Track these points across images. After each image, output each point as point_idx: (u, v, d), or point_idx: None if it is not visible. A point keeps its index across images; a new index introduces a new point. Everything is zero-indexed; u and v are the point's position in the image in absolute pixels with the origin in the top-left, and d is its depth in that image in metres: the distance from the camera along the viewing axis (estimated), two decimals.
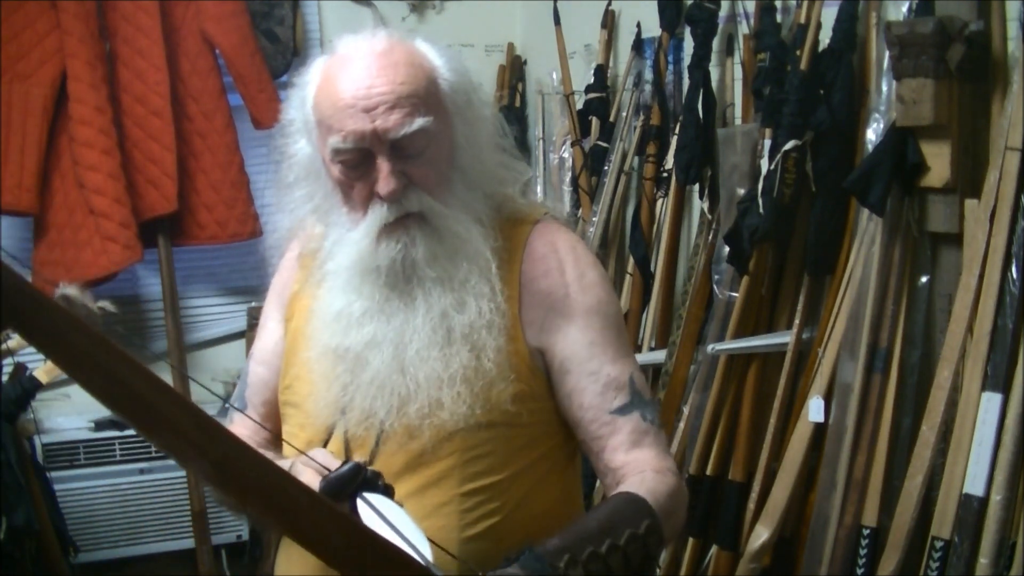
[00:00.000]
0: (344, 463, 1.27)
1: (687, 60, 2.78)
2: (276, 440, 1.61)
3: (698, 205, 2.79)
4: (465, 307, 1.41)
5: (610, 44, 3.22)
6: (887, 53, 2.08)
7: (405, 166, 1.40)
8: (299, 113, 1.49)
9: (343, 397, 1.45)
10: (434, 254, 1.42)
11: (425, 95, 1.40)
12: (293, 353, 1.55)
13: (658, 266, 2.90)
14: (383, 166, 1.38)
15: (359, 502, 1.25)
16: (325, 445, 1.50)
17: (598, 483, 2.72)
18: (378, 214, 1.40)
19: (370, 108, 1.37)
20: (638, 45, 3.08)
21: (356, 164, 1.40)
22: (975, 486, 1.85)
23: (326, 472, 1.27)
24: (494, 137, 1.53)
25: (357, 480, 1.25)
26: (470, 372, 1.40)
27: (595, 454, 1.48)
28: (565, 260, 1.49)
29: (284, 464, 1.43)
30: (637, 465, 1.43)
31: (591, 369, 1.46)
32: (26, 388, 2.62)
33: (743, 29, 2.66)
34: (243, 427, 1.60)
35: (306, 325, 1.52)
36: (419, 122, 1.38)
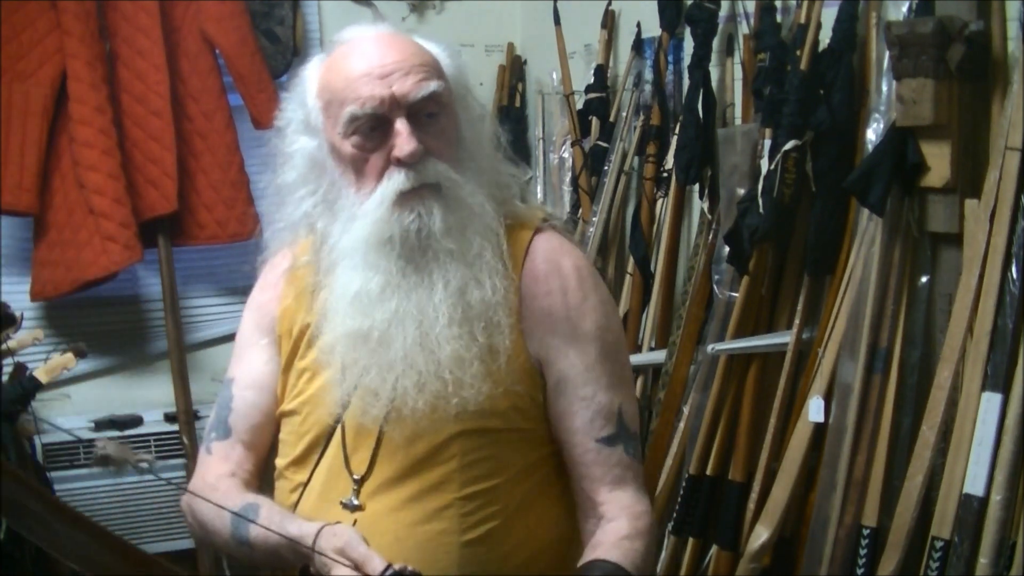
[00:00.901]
0: (386, 570, 1.27)
1: (687, 60, 2.78)
2: (258, 474, 1.60)
3: (698, 205, 2.79)
4: (481, 284, 1.41)
5: (610, 44, 3.22)
6: (887, 53, 2.08)
7: (421, 135, 1.40)
8: (298, 111, 1.49)
9: (363, 378, 1.42)
10: (448, 226, 1.41)
11: (435, 66, 1.44)
12: (296, 360, 1.54)
13: (658, 266, 2.90)
14: (402, 128, 1.39)
15: None
16: (325, 448, 1.49)
17: None
18: (395, 180, 1.40)
19: (386, 75, 1.39)
20: (638, 45, 3.08)
21: (372, 135, 1.40)
22: (975, 486, 1.85)
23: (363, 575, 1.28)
24: (493, 137, 1.55)
25: None
26: (485, 351, 1.40)
27: (575, 479, 1.50)
28: (568, 281, 1.48)
29: (296, 525, 1.41)
30: (616, 508, 1.46)
31: (584, 395, 1.46)
32: (26, 388, 2.62)
33: (743, 29, 2.65)
34: (225, 461, 1.58)
35: (313, 326, 1.50)
36: (434, 84, 1.40)
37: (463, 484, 1.43)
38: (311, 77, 1.49)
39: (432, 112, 1.41)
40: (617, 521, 1.45)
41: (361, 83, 1.39)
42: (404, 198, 1.40)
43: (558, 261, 1.50)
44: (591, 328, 1.48)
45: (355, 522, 1.43)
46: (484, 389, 1.40)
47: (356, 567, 1.32)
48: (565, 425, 1.47)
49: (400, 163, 1.39)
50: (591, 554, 1.42)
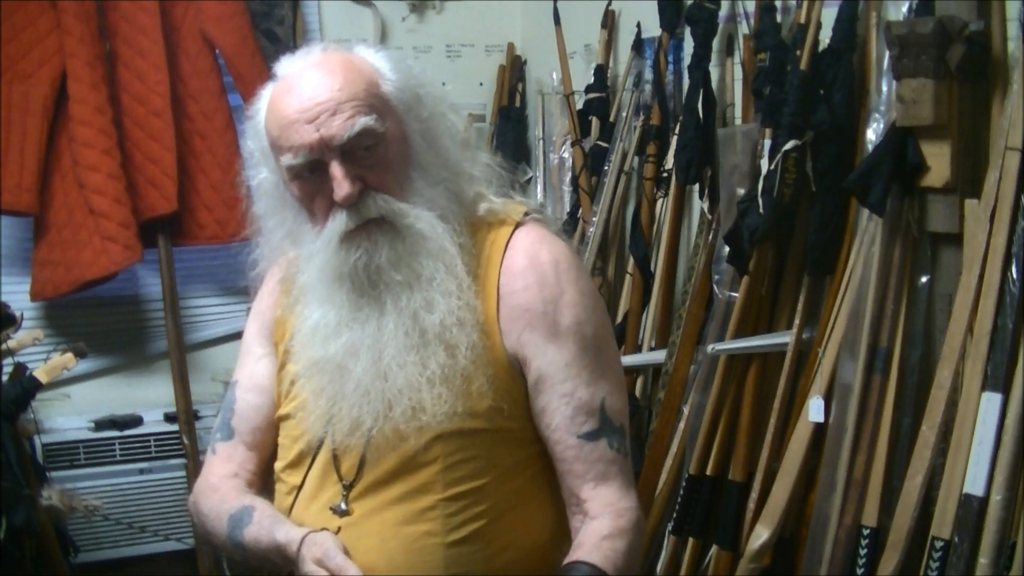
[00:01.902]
0: None
1: (687, 60, 2.78)
2: (261, 474, 1.62)
3: (698, 205, 2.79)
4: (434, 306, 1.42)
5: (610, 44, 3.23)
6: (887, 53, 2.08)
7: (359, 171, 1.40)
8: (255, 143, 1.50)
9: (332, 408, 1.46)
10: (398, 255, 1.42)
11: (366, 96, 1.41)
12: (289, 364, 1.55)
13: (658, 266, 2.90)
14: (336, 172, 1.38)
15: None
16: (314, 458, 1.51)
17: None
18: (338, 221, 1.41)
19: (312, 119, 1.38)
20: (638, 45, 3.08)
21: (311, 178, 1.41)
22: (975, 486, 1.85)
23: None
24: (456, 134, 1.53)
25: None
26: (448, 371, 1.41)
27: (560, 475, 1.50)
28: (546, 275, 1.47)
29: (283, 531, 1.44)
30: (600, 505, 1.46)
31: (564, 391, 1.46)
32: (26, 388, 2.62)
33: (743, 29, 2.65)
34: (228, 461, 1.60)
35: (291, 343, 1.53)
36: (361, 122, 1.38)
37: (447, 485, 1.43)
38: (260, 110, 1.49)
39: (368, 145, 1.40)
40: (599, 520, 1.45)
41: (291, 131, 1.39)
42: (349, 236, 1.41)
43: (536, 254, 1.49)
44: (569, 322, 1.47)
45: (339, 529, 1.45)
46: (445, 410, 1.41)
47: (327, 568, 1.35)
48: (546, 422, 1.47)
49: (340, 205, 1.40)
50: (573, 555, 1.43)
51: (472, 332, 1.43)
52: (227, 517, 1.52)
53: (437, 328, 1.41)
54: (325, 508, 1.48)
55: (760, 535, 2.30)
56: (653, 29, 2.97)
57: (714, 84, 2.72)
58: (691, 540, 2.58)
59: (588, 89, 3.21)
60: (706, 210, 2.72)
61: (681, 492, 2.59)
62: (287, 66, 1.47)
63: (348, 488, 1.47)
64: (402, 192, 1.43)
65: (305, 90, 1.40)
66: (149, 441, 3.31)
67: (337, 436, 1.46)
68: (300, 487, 1.52)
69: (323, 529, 1.44)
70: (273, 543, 1.45)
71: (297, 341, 1.51)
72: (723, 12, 2.70)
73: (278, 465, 1.58)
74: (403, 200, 1.43)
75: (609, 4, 3.20)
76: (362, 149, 1.40)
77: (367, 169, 1.41)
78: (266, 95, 1.49)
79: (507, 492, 1.47)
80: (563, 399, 1.46)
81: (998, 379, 1.85)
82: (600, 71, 3.19)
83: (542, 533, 1.51)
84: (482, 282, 1.47)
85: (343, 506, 1.47)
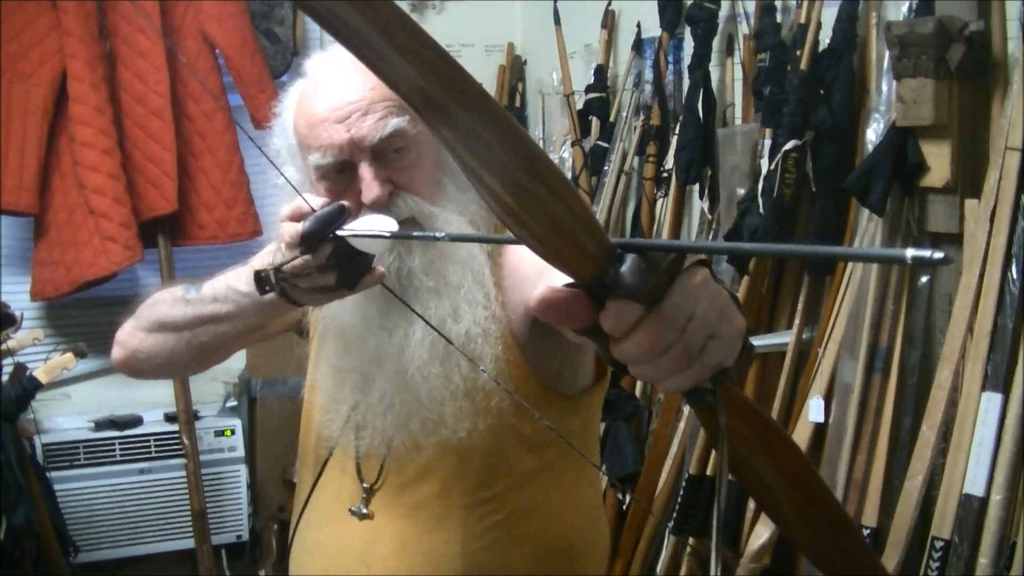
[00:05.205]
0: (329, 203, 1.24)
1: (687, 60, 2.78)
2: None
3: (698, 205, 2.79)
4: (460, 315, 1.37)
5: (610, 44, 3.23)
6: (887, 53, 2.08)
7: (390, 172, 1.36)
8: (282, 141, 1.47)
9: (353, 414, 1.44)
10: (429, 260, 1.38)
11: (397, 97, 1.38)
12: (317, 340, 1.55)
13: None
14: (365, 174, 1.34)
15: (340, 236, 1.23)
16: (329, 458, 1.50)
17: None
18: None
19: (343, 118, 1.34)
20: (638, 45, 3.08)
21: (340, 178, 1.37)
22: (975, 486, 1.85)
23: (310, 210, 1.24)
24: None
25: (341, 220, 1.23)
26: (470, 384, 1.38)
27: None
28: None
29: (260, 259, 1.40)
30: None
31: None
32: (26, 388, 2.62)
33: (743, 29, 2.66)
34: None
35: (315, 346, 1.51)
36: (393, 123, 1.34)
37: (466, 492, 1.42)
38: (288, 108, 1.46)
39: (399, 147, 1.36)
40: None
41: (321, 129, 1.35)
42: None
43: None
44: None
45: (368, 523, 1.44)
46: (466, 424, 1.38)
47: (294, 217, 1.27)
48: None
49: (368, 208, 1.36)
50: None
51: (496, 345, 1.39)
52: (182, 286, 1.43)
53: (462, 338, 1.37)
54: (343, 509, 1.47)
55: (760, 535, 2.30)
56: (653, 29, 2.97)
57: (714, 84, 2.73)
58: (691, 540, 2.58)
59: (588, 89, 3.21)
60: (706, 210, 2.72)
61: (681, 492, 2.59)
62: (317, 64, 1.43)
63: (368, 492, 1.46)
64: (432, 196, 1.39)
65: (336, 89, 1.37)
66: (149, 441, 3.31)
67: (356, 442, 1.44)
68: (316, 483, 1.52)
69: None
70: (247, 272, 1.39)
71: (320, 344, 1.49)
72: (723, 12, 2.70)
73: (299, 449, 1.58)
74: (433, 204, 1.39)
75: (609, 4, 3.20)
76: (393, 151, 1.36)
77: (397, 172, 1.37)
78: (295, 92, 1.45)
79: (524, 500, 1.46)
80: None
81: (998, 379, 1.85)
82: (600, 71, 3.19)
83: (559, 543, 1.49)
84: (496, 281, 1.45)
85: (364, 510, 1.46)
